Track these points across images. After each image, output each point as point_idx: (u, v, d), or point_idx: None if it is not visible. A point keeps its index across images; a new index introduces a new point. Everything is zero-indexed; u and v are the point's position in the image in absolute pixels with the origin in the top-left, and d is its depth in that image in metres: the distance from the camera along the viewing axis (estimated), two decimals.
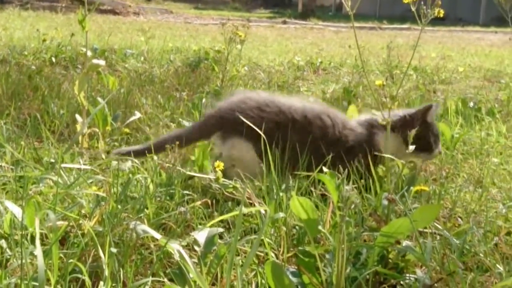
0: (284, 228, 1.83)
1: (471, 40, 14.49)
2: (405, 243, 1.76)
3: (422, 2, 1.80)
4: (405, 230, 1.71)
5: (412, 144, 2.28)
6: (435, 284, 1.67)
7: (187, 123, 3.13)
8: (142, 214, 1.88)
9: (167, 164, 2.19)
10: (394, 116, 2.43)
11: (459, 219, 2.13)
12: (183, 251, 1.44)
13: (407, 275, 1.73)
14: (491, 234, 1.99)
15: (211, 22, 16.24)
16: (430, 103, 2.46)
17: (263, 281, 1.61)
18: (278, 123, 2.37)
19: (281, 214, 1.79)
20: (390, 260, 1.79)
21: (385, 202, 1.83)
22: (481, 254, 1.82)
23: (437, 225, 1.93)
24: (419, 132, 2.32)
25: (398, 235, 1.72)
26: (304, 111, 2.43)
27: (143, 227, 1.65)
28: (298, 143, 2.32)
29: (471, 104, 4.32)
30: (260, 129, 2.22)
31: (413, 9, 1.80)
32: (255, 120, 2.32)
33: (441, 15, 1.78)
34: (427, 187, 2.03)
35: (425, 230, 1.95)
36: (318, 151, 2.33)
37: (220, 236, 1.87)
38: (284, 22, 17.03)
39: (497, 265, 1.76)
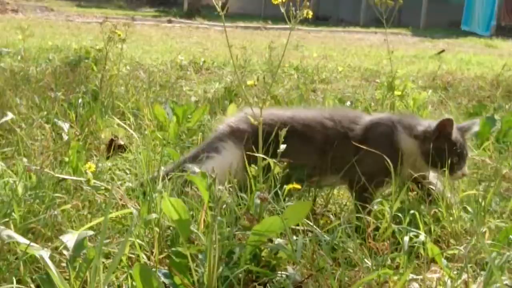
0: (157, 229, 1.81)
1: (352, 40, 14.89)
2: (277, 241, 1.78)
3: (290, 4, 1.83)
4: (276, 228, 1.74)
5: (431, 159, 2.19)
6: (306, 280, 1.71)
7: (62, 124, 3.05)
8: (8, 219, 1.82)
9: (35, 167, 2.12)
10: (420, 125, 2.33)
11: (332, 216, 2.19)
12: (46, 256, 1.40)
13: (279, 272, 1.76)
14: (360, 230, 2.05)
15: (94, 20, 15.88)
16: (447, 117, 2.29)
17: (134, 283, 1.59)
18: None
19: (154, 215, 1.78)
20: (263, 258, 1.81)
21: (257, 201, 1.86)
22: (350, 250, 1.87)
23: (310, 222, 1.97)
24: (438, 148, 2.23)
25: (269, 233, 1.74)
26: (305, 120, 2.39)
27: (8, 232, 1.59)
28: (299, 152, 2.27)
29: (348, 103, 4.45)
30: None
31: (283, 10, 1.83)
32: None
33: (310, 16, 1.82)
34: (300, 185, 2.07)
35: (299, 228, 1.99)
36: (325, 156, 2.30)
37: (93, 239, 1.84)
38: (170, 21, 16.91)
39: (365, 259, 1.82)
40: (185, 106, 3.40)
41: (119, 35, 3.99)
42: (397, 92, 4.22)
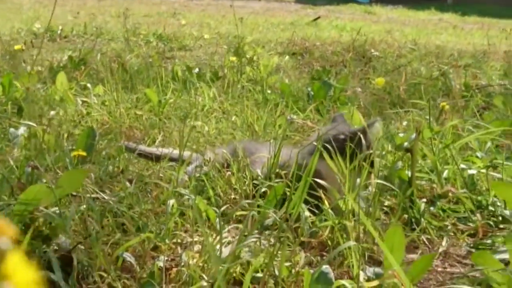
0: None
1: (235, 8, 14.87)
2: (51, 210, 1.75)
3: None
4: (44, 196, 1.70)
5: None
6: (78, 246, 1.68)
7: None
8: None
9: None
10: None
11: (128, 182, 2.16)
12: None
13: (53, 242, 1.72)
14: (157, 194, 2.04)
15: None
16: None
17: None
18: None
19: None
20: (38, 228, 1.77)
21: (29, 169, 1.81)
22: (136, 215, 1.86)
23: (96, 189, 1.95)
24: None
25: (37, 202, 1.70)
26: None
27: None
28: None
29: (196, 70, 4.43)
30: None
31: None
32: None
33: None
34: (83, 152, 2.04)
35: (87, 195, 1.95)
36: None
37: None
38: None
39: (149, 223, 1.82)
40: (11, 74, 3.29)
41: None
42: (232, 58, 4.24)
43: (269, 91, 3.85)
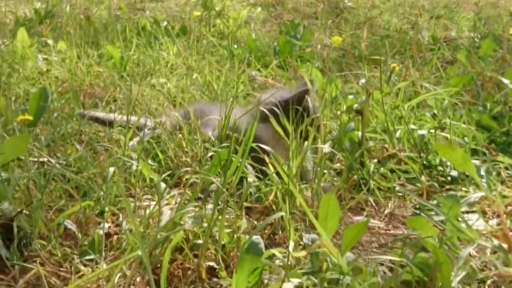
0: None
1: None
2: None
3: None
4: None
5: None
6: (21, 213, 1.68)
7: None
8: None
9: None
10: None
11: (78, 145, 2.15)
12: None
13: None
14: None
15: None
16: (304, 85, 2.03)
17: None
18: None
19: None
20: None
21: None
22: (84, 179, 1.86)
23: (45, 153, 1.94)
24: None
25: None
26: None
27: None
28: None
29: (165, 23, 4.38)
30: None
31: None
32: None
33: None
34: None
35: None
36: None
37: None
38: None
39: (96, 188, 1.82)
40: None
41: None
42: (196, 13, 4.19)
43: (235, 46, 3.81)
